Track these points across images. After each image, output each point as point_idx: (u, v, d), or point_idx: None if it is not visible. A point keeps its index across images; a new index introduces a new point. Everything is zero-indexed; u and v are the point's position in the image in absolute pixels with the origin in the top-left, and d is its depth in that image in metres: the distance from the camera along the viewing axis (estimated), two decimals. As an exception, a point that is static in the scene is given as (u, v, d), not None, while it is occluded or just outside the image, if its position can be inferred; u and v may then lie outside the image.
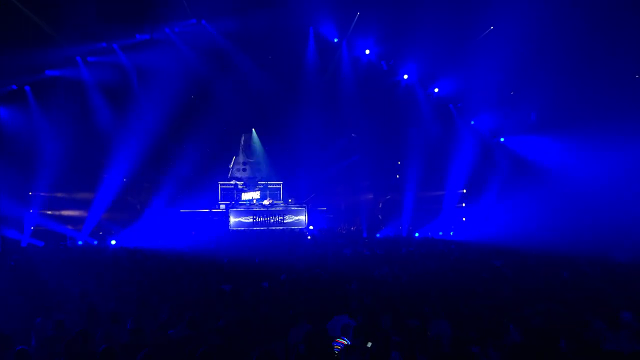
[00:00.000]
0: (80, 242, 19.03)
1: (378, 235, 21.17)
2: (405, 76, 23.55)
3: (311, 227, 22.61)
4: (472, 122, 23.60)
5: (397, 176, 24.90)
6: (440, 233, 21.62)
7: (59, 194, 19.87)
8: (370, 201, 24.69)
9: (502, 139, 23.08)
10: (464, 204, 23.95)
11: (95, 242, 19.22)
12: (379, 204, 24.98)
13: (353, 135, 24.95)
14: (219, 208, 23.59)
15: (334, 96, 22.91)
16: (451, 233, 21.68)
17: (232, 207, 22.58)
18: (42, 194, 19.22)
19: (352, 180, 24.48)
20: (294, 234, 21.08)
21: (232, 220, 22.17)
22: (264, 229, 21.77)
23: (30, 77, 19.01)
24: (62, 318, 7.00)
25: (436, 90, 23.66)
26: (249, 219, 22.29)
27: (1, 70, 16.85)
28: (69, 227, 19.55)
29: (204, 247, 16.86)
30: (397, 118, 23.43)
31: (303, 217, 22.73)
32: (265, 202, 23.25)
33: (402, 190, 23.48)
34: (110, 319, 6.94)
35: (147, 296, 8.62)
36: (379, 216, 24.46)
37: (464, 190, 23.76)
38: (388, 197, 24.89)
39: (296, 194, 24.16)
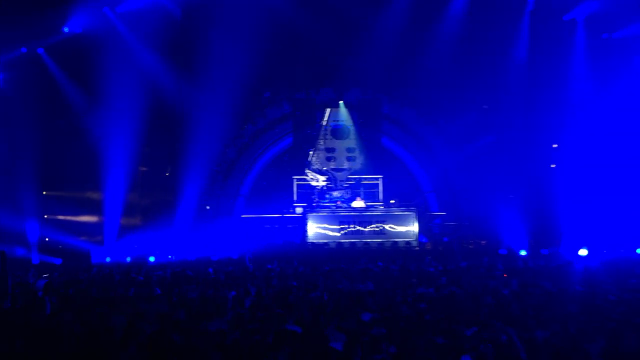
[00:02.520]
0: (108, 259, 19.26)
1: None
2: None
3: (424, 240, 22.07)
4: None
5: (553, 165, 23.55)
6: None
7: (72, 193, 20.17)
8: (511, 202, 22.91)
9: None
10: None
11: (129, 259, 19.25)
12: (523, 207, 22.84)
13: (485, 107, 24.10)
14: (294, 212, 23.49)
15: (453, 50, 22.10)
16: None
17: (312, 211, 22.10)
18: (53, 193, 19.53)
19: (484, 172, 23.27)
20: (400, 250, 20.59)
21: (312, 228, 21.64)
22: (356, 242, 21.46)
23: (43, 36, 19.74)
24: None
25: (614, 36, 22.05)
26: (335, 228, 21.70)
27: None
28: (84, 238, 19.88)
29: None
30: (551, 79, 22.09)
31: (412, 226, 21.79)
32: (357, 203, 22.47)
33: (561, 187, 21.94)
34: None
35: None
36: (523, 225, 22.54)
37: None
38: (538, 196, 22.90)
39: (402, 193, 23.54)
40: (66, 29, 19.92)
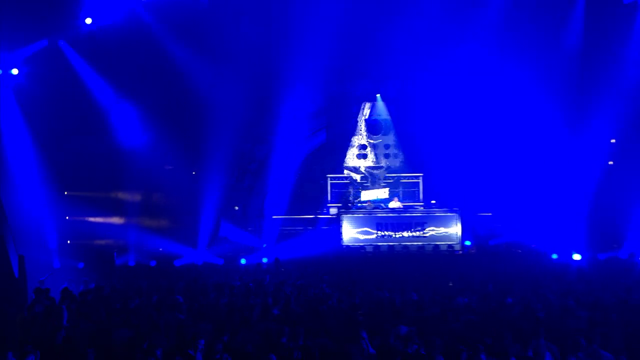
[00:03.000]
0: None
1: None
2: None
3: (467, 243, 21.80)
4: None
5: (610, 162, 22.88)
6: None
7: (95, 194, 20.39)
8: (564, 202, 22.41)
9: None
10: None
11: (153, 263, 19.28)
12: (578, 208, 22.41)
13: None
14: (328, 213, 23.49)
15: (500, 36, 21.83)
16: None
17: (347, 212, 22.00)
18: (75, 193, 19.81)
19: (534, 169, 22.80)
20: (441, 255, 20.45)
21: (347, 231, 21.41)
22: (394, 245, 21.23)
23: (65, 29, 19.87)
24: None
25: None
26: (372, 231, 21.50)
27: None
28: (107, 240, 20.19)
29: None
30: (608, 68, 21.52)
31: (454, 229, 21.50)
32: (393, 204, 22.37)
33: (619, 186, 21.51)
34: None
35: None
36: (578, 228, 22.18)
37: None
38: (595, 196, 22.29)
39: (444, 193, 23.44)
40: (89, 21, 20.02)
